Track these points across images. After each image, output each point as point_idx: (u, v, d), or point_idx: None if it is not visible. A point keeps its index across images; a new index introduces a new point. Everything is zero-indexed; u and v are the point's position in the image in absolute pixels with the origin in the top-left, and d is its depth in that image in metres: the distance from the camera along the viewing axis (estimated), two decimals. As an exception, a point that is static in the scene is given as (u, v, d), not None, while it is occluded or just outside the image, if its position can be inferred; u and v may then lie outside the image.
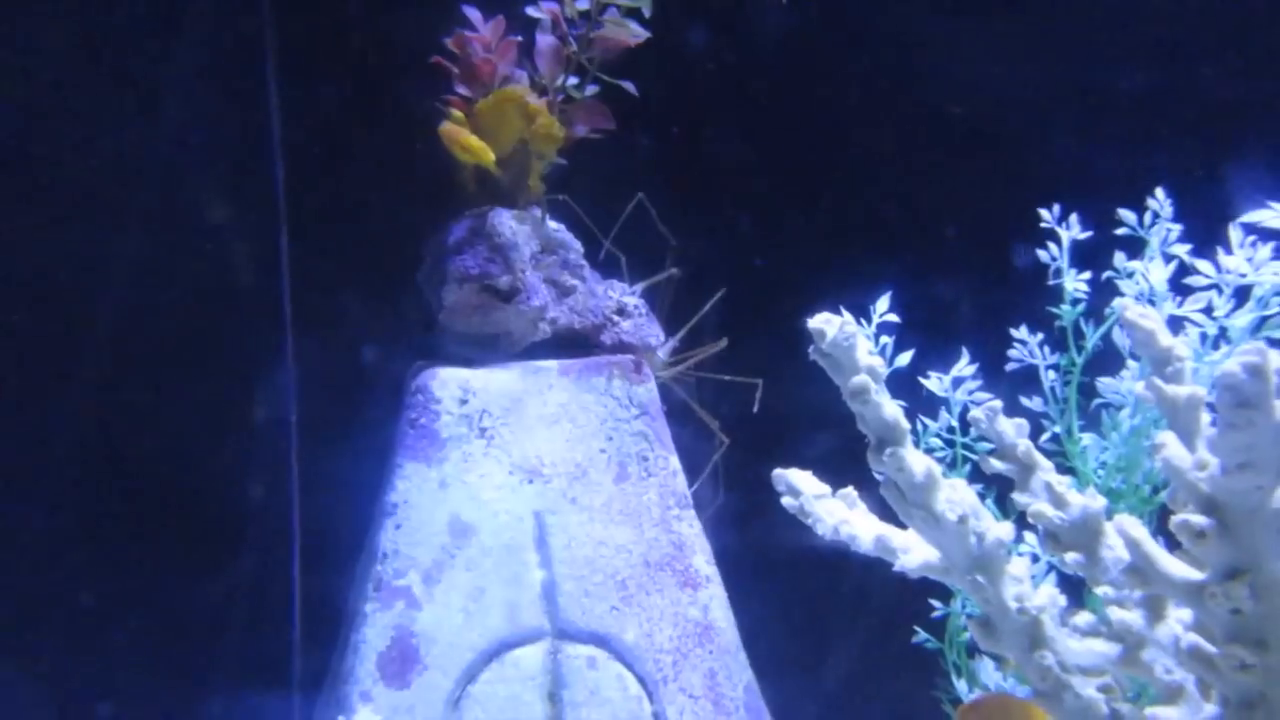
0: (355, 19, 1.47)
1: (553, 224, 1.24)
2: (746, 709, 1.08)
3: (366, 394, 1.45)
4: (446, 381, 1.15)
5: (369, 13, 1.48)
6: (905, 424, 0.61)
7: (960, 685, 1.10)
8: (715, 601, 1.11)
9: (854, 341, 0.60)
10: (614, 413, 1.16)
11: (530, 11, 1.19)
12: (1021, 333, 1.09)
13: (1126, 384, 0.94)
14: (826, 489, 0.69)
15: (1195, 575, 0.53)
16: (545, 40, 1.19)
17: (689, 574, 1.12)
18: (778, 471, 0.70)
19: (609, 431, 1.16)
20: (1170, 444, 0.52)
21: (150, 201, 1.41)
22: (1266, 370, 0.46)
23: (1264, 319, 0.86)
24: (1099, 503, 0.67)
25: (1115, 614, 0.65)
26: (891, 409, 0.61)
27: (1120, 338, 0.95)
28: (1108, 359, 1.07)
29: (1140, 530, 0.56)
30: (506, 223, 1.19)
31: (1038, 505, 0.67)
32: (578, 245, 1.25)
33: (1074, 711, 0.59)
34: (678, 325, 1.26)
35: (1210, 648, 0.53)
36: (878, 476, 0.65)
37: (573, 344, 1.21)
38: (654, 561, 1.12)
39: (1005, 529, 0.61)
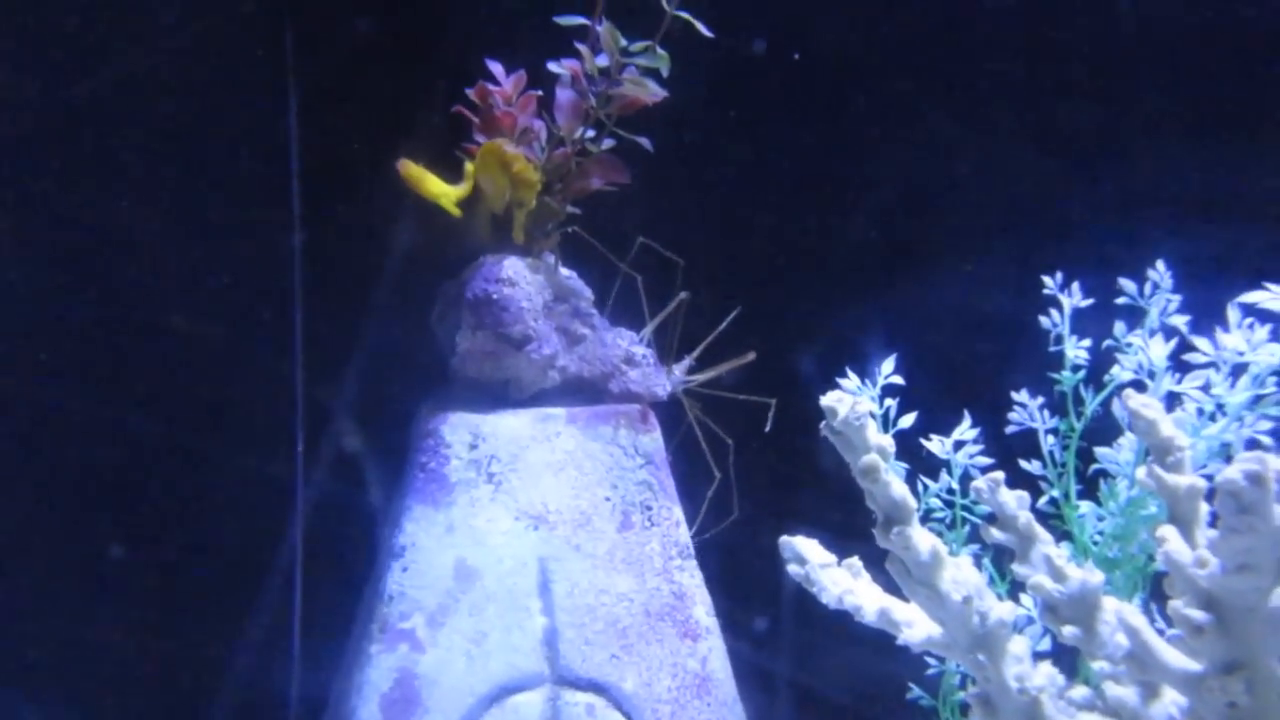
0: (377, 60, 1.50)
1: (564, 271, 1.26)
2: (743, 762, 1.10)
3: (377, 434, 1.47)
4: (457, 426, 1.17)
5: (391, 56, 1.51)
6: (913, 503, 0.63)
7: (954, 743, 1.11)
8: (714, 653, 1.13)
9: (864, 421, 0.62)
10: (619, 461, 1.18)
11: (551, 67, 1.21)
12: (1022, 396, 1.11)
13: (1124, 455, 0.96)
14: (832, 558, 0.70)
15: (1193, 666, 0.55)
16: (565, 95, 1.22)
17: (689, 625, 1.13)
18: (785, 539, 0.71)
19: (614, 480, 1.17)
20: (1171, 539, 0.54)
21: (159, 231, 1.43)
22: (1266, 478, 0.48)
23: (1259, 397, 0.88)
24: (1097, 578, 0.68)
25: (1111, 689, 0.66)
26: (899, 488, 0.63)
27: (1119, 410, 0.97)
28: (1107, 424, 1.09)
29: (1139, 619, 0.58)
30: (521, 271, 1.21)
31: (1037, 578, 0.69)
32: (588, 293, 1.27)
33: (1072, 791, 0.60)
34: (691, 347, 1.28)
35: (1205, 738, 0.55)
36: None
37: (580, 392, 1.23)
38: (655, 611, 1.13)
39: (1007, 609, 0.63)
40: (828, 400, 0.63)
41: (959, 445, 1.07)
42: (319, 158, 1.53)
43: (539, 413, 1.19)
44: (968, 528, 1.08)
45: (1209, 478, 0.96)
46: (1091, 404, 1.07)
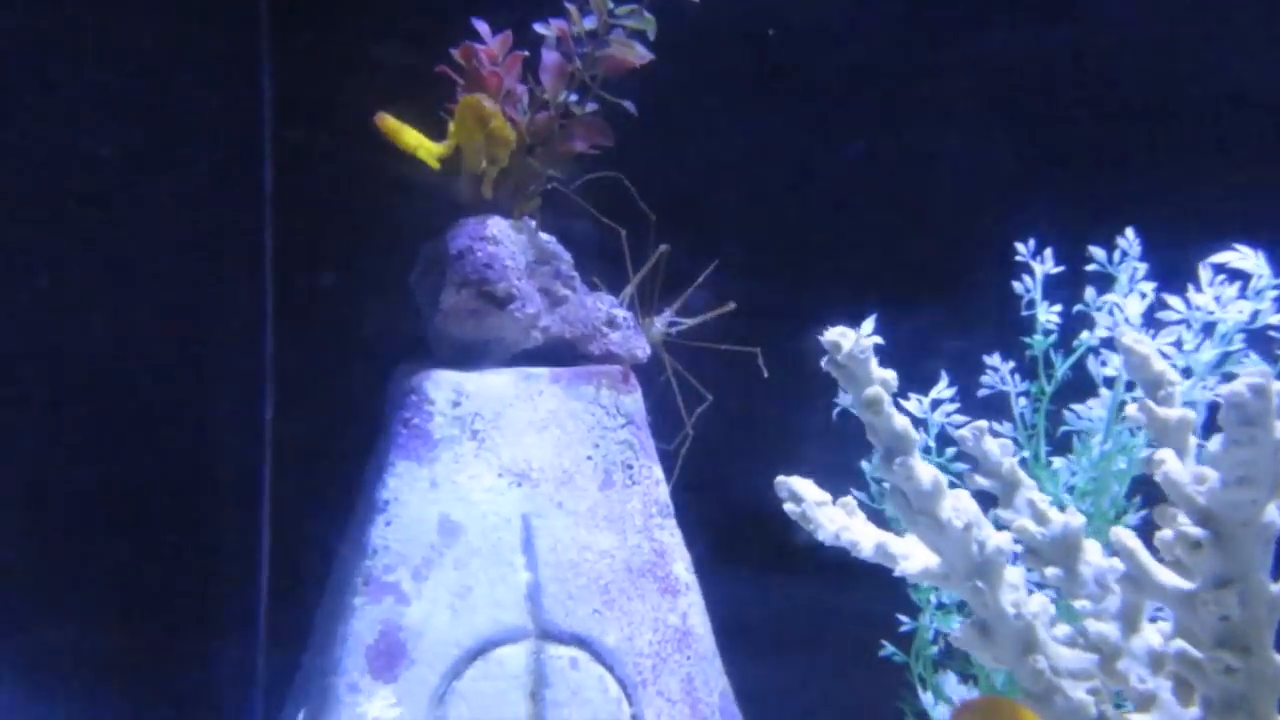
0: (357, 25, 1.50)
1: (543, 235, 1.27)
2: (722, 714, 1.12)
3: (351, 394, 1.47)
4: (441, 383, 1.18)
5: (371, 19, 1.50)
6: (914, 435, 0.65)
7: (926, 697, 1.14)
8: (694, 609, 1.15)
9: (869, 355, 0.64)
10: (601, 421, 1.19)
11: (538, 28, 1.22)
12: (994, 360, 1.14)
13: (1096, 411, 0.99)
14: (827, 496, 0.72)
15: (1185, 584, 0.58)
16: (550, 56, 1.23)
17: (669, 581, 1.15)
18: (780, 479, 0.73)
19: (596, 439, 1.19)
20: (1169, 460, 0.57)
21: (124, 199, 1.42)
22: (1269, 390, 0.51)
23: (1226, 354, 0.91)
24: (1079, 520, 0.71)
25: (1092, 626, 0.69)
26: (901, 420, 0.65)
27: (1094, 368, 1.01)
28: (1075, 388, 1.13)
29: (1135, 541, 0.60)
30: (505, 230, 1.21)
31: (1021, 521, 0.71)
32: (568, 257, 1.28)
33: (1064, 713, 0.63)
34: (670, 299, 1.29)
35: (1196, 653, 0.57)
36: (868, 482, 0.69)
37: (561, 353, 1.24)
38: (636, 568, 1.15)
39: (1004, 538, 0.66)
40: (831, 335, 0.65)
41: (936, 404, 1.09)
42: (293, 119, 1.52)
43: (522, 372, 1.20)
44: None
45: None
46: (1061, 367, 1.11)
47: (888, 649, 1.18)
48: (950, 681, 1.12)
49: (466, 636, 1.11)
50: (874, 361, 0.64)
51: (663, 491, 1.18)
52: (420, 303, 1.28)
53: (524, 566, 1.14)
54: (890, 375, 0.65)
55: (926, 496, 0.64)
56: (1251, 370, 0.51)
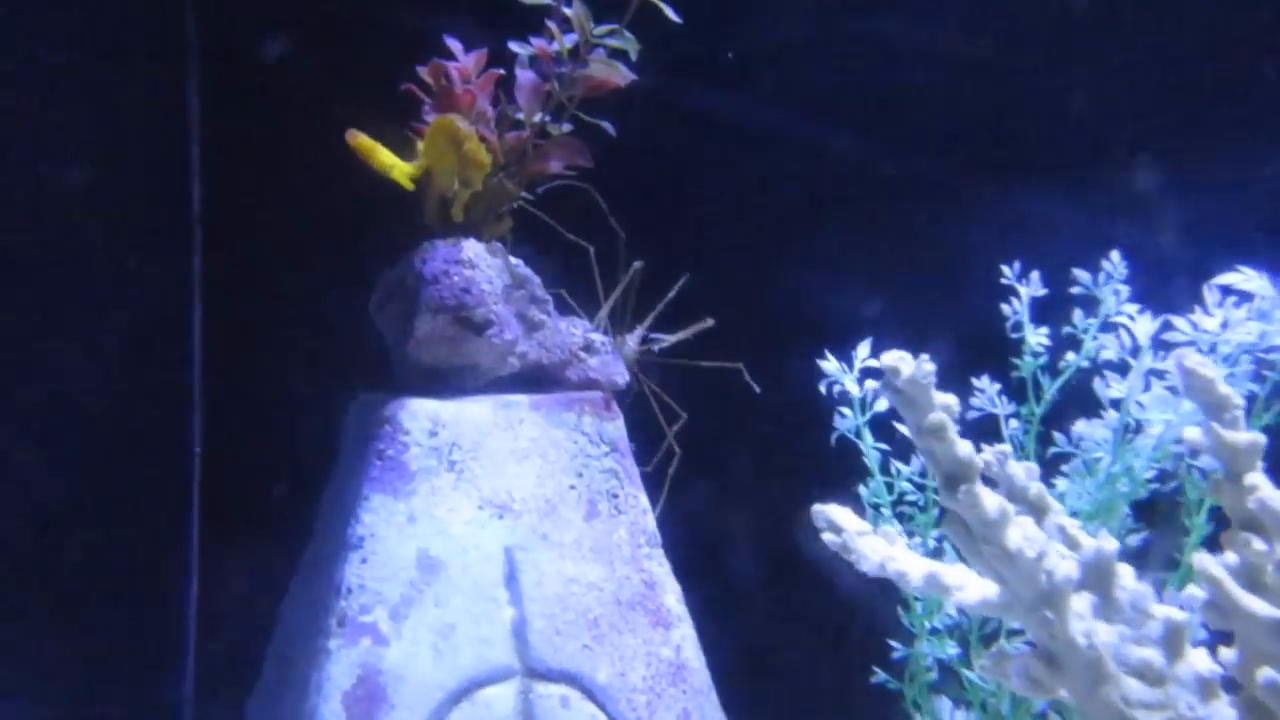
0: (307, 35, 1.45)
1: (513, 259, 1.23)
2: (720, 749, 1.08)
3: (289, 426, 1.41)
4: (416, 413, 1.12)
5: (323, 32, 1.45)
6: (978, 461, 0.63)
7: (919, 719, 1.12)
8: (687, 641, 1.11)
9: (930, 380, 0.62)
10: (584, 449, 1.16)
11: (514, 46, 1.18)
12: (983, 382, 1.13)
13: (1101, 432, 0.99)
14: (868, 526, 0.70)
15: (1273, 612, 0.57)
16: (526, 75, 1.19)
17: (660, 613, 1.12)
18: (818, 508, 0.71)
19: (579, 468, 1.15)
20: (1263, 485, 0.56)
21: (45, 229, 1.34)
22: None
23: (1230, 375, 0.92)
24: (1112, 545, 0.70)
25: (1134, 652, 0.68)
26: (965, 447, 0.63)
27: (1099, 390, 1.01)
28: (1064, 410, 1.13)
29: (1220, 569, 0.59)
30: (481, 254, 1.17)
31: (1068, 564, 0.70)
32: (538, 280, 1.24)
33: (1137, 744, 0.61)
34: (643, 317, 1.26)
35: (1283, 679, 0.56)
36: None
37: (537, 380, 1.20)
38: (625, 600, 1.11)
39: (1072, 566, 0.64)
40: (889, 359, 0.62)
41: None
42: (226, 141, 1.46)
43: (501, 399, 1.15)
44: (938, 510, 1.10)
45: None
46: (1052, 388, 1.11)
47: (880, 676, 1.16)
48: (946, 707, 1.10)
49: (450, 678, 1.05)
50: (934, 387, 0.62)
51: (650, 521, 1.15)
52: (384, 329, 1.23)
53: (508, 602, 1.09)
54: (952, 400, 0.63)
55: (994, 525, 0.62)
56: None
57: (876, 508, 1.07)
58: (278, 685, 1.17)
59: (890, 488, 1.09)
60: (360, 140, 1.14)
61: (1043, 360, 1.11)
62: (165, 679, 1.45)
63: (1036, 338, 1.10)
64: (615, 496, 1.15)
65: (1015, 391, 1.14)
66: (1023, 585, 0.62)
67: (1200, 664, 0.67)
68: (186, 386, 1.49)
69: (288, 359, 1.48)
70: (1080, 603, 0.63)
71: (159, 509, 1.46)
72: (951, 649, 1.11)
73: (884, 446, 1.08)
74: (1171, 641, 0.68)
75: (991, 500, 0.62)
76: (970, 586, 0.65)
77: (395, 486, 1.10)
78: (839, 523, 0.70)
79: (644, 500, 1.16)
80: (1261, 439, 0.59)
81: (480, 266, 1.16)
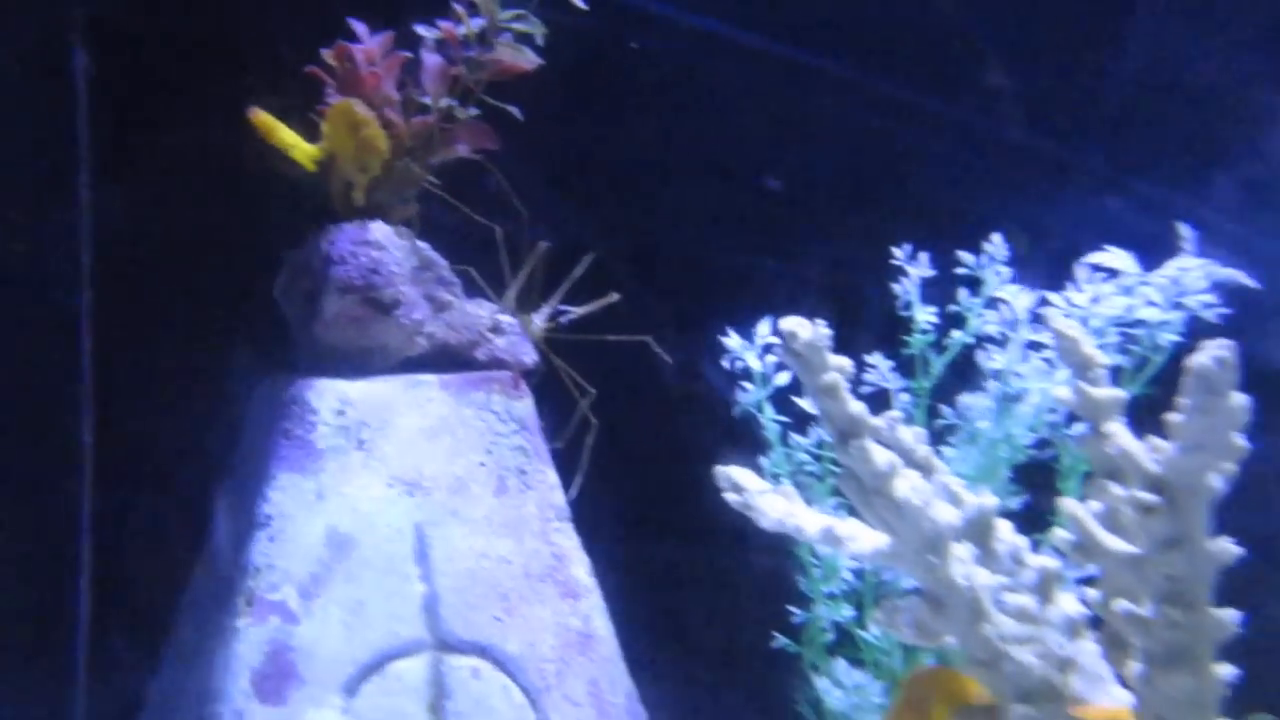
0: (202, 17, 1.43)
1: (420, 243, 1.25)
2: (629, 715, 1.11)
3: (185, 412, 1.40)
4: (324, 392, 1.13)
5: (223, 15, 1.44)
6: (868, 419, 0.68)
7: (821, 683, 1.18)
8: (596, 611, 1.14)
9: (825, 343, 0.66)
10: (493, 427, 1.18)
11: (420, 30, 1.20)
12: (875, 359, 1.19)
13: (983, 401, 1.05)
14: (768, 485, 0.74)
15: (1132, 549, 0.62)
16: (432, 59, 1.20)
17: (570, 585, 1.14)
18: (720, 468, 0.74)
19: (488, 445, 1.17)
20: (1121, 432, 0.61)
21: None
22: (1230, 363, 0.56)
23: (1099, 346, 0.99)
24: (992, 501, 0.75)
25: (1011, 599, 0.73)
26: (857, 406, 0.67)
27: (981, 361, 1.07)
28: (952, 384, 1.19)
29: (1083, 511, 0.64)
30: (388, 235, 1.18)
31: (949, 510, 0.75)
32: (447, 264, 1.26)
33: (1012, 676, 0.66)
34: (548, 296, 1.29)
35: (1143, 611, 0.62)
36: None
37: (446, 360, 1.22)
38: (535, 573, 1.13)
39: (954, 514, 0.69)
40: (788, 324, 0.66)
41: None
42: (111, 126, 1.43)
43: (410, 379, 1.16)
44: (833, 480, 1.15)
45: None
46: (939, 364, 1.17)
47: (780, 640, 1.21)
48: (842, 667, 1.16)
49: (362, 653, 1.07)
50: (829, 351, 0.66)
51: (558, 496, 1.17)
52: (290, 311, 1.23)
53: (419, 577, 1.10)
54: (846, 363, 0.67)
55: (883, 477, 0.66)
56: (1216, 343, 0.56)
57: (777, 478, 1.11)
58: (183, 666, 1.16)
59: (789, 458, 1.14)
60: (261, 118, 1.14)
61: (931, 338, 1.17)
62: (57, 667, 1.42)
63: (925, 316, 1.16)
64: (524, 473, 1.17)
65: (907, 367, 1.19)
66: (909, 533, 0.67)
67: (1069, 607, 0.73)
68: (76, 375, 1.46)
69: (189, 345, 1.46)
70: (961, 549, 0.68)
71: (49, 497, 1.43)
72: (847, 612, 1.16)
73: (784, 419, 1.13)
74: (1044, 587, 0.73)
75: (881, 455, 0.67)
76: (862, 537, 0.70)
77: (303, 465, 1.11)
78: (740, 482, 0.74)
79: (553, 476, 1.19)
80: (1122, 394, 0.65)
81: (388, 248, 1.17)
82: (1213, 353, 0.55)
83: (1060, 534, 0.66)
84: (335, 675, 1.05)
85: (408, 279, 1.18)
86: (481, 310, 1.25)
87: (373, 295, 1.14)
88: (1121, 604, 0.63)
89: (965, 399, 1.07)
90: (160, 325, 1.45)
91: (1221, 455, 0.57)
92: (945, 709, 0.70)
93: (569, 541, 1.16)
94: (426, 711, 1.07)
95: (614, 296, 1.24)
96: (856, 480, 0.68)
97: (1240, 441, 0.58)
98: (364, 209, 1.20)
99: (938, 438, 1.17)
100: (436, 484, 1.13)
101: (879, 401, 1.19)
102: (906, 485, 0.66)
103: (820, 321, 0.67)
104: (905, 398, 1.17)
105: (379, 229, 1.18)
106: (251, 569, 1.08)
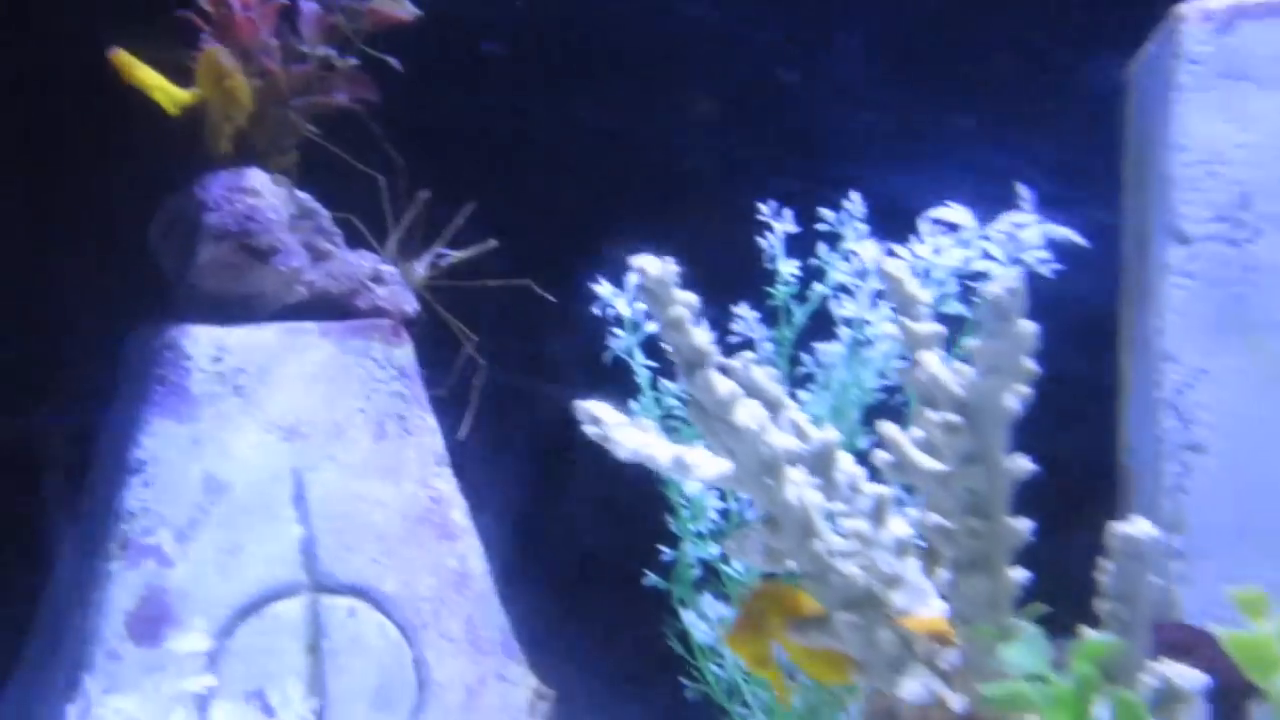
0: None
1: (300, 193, 1.26)
2: (502, 649, 1.16)
3: (83, 363, 1.38)
4: (199, 339, 1.14)
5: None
6: (713, 351, 0.72)
7: (688, 616, 1.24)
8: (471, 552, 1.18)
9: (673, 279, 0.70)
10: (372, 374, 1.20)
11: (297, -23, 1.20)
12: (742, 309, 1.24)
13: (835, 348, 1.12)
14: (625, 418, 0.78)
15: (939, 466, 0.68)
16: (310, 7, 1.21)
17: (446, 527, 1.18)
18: (579, 403, 0.78)
19: (368, 392, 1.19)
20: (931, 359, 0.67)
21: None
22: (1020, 292, 0.62)
23: (943, 296, 1.06)
24: (835, 434, 0.81)
25: (848, 523, 0.79)
26: (701, 338, 0.72)
27: (833, 309, 1.13)
28: (814, 334, 1.25)
29: (899, 433, 0.70)
30: (265, 183, 1.19)
31: (785, 438, 0.80)
32: (327, 213, 1.27)
33: (838, 587, 0.72)
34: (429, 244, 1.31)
35: (948, 523, 0.68)
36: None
37: (327, 308, 1.23)
38: (412, 516, 1.16)
39: (790, 440, 0.74)
40: (640, 261, 0.70)
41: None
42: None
43: (289, 326, 1.18)
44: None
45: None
46: (801, 314, 1.22)
47: (651, 578, 1.26)
48: (708, 602, 1.22)
49: (237, 595, 1.09)
50: (676, 285, 0.71)
51: (437, 441, 1.20)
52: (165, 259, 1.23)
53: (296, 521, 1.12)
54: (692, 297, 0.71)
55: (724, 405, 0.71)
56: (1006, 276, 0.62)
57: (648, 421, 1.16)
58: (58, 613, 1.17)
59: (659, 402, 1.19)
60: (121, 57, 1.13)
61: (793, 289, 1.22)
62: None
63: (788, 268, 1.21)
64: (403, 419, 1.20)
65: (771, 318, 1.25)
66: (748, 457, 0.72)
67: (898, 529, 0.79)
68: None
69: (64, 295, 1.44)
70: (795, 473, 0.73)
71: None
72: (713, 549, 1.22)
73: (653, 364, 1.17)
74: (877, 512, 0.79)
75: (724, 384, 0.71)
76: (708, 464, 0.75)
77: (178, 411, 1.12)
78: (599, 416, 0.78)
79: (432, 421, 1.21)
80: (939, 328, 0.71)
81: (264, 195, 1.18)
82: (1004, 283, 0.61)
83: (881, 455, 0.71)
84: (211, 617, 1.07)
85: (285, 226, 1.19)
86: (363, 259, 1.27)
87: (248, 242, 1.15)
88: (932, 516, 0.69)
89: (822, 347, 1.13)
90: (36, 276, 1.42)
91: (1014, 377, 0.63)
92: (780, 621, 0.75)
93: (447, 485, 1.19)
94: (304, 651, 1.10)
95: (491, 243, 1.27)
96: (701, 409, 0.72)
97: (1030, 365, 0.64)
98: (242, 156, 1.21)
99: (799, 384, 1.24)
100: (315, 430, 1.15)
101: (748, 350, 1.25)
102: (746, 413, 0.71)
103: (669, 259, 0.71)
104: (769, 346, 1.22)
105: (255, 176, 1.18)
106: (125, 514, 1.08)
